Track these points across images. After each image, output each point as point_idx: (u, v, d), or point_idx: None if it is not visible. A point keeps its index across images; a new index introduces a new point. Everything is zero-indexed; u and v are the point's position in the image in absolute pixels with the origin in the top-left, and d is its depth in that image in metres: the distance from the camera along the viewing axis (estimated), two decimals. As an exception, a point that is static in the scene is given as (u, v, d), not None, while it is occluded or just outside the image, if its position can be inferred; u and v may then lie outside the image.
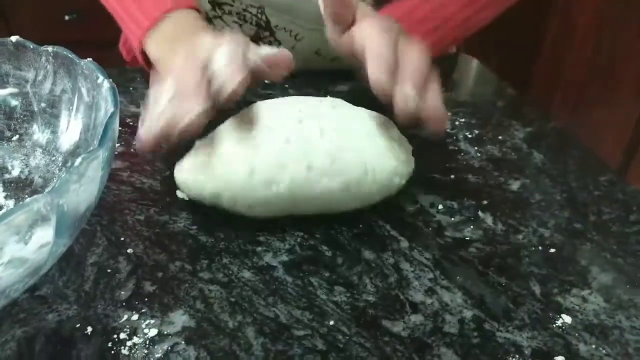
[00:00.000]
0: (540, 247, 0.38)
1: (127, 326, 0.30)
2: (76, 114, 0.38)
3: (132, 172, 0.43)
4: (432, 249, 0.37)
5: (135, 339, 0.29)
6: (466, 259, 0.36)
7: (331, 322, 0.31)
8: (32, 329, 0.30)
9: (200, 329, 0.30)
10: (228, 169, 0.35)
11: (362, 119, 0.38)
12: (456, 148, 0.49)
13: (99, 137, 0.29)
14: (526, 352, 0.30)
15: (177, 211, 0.39)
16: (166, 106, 0.36)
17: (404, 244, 0.37)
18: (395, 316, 0.32)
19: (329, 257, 0.36)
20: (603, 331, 0.32)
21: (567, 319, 0.32)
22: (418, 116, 0.38)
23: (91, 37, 1.28)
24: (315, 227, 0.38)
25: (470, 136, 0.51)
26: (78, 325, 0.30)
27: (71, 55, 0.37)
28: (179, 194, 0.39)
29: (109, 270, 0.34)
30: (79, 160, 0.26)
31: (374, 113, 0.40)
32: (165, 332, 0.30)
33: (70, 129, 0.38)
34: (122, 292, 0.32)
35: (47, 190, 0.25)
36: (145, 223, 0.38)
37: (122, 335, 0.29)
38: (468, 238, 0.38)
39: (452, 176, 0.45)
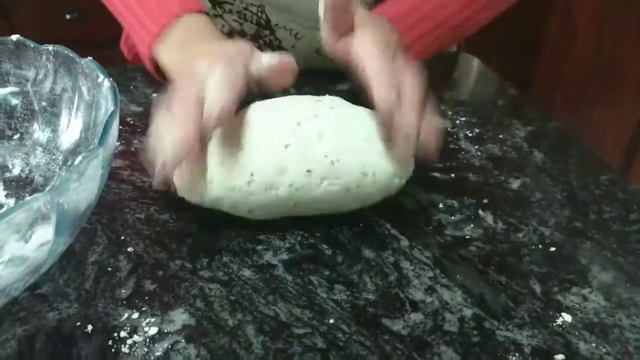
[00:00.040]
0: (540, 246, 0.38)
1: (128, 324, 0.30)
2: (76, 112, 0.38)
3: (132, 171, 0.43)
4: (432, 248, 0.37)
5: (136, 337, 0.29)
6: (466, 258, 0.36)
7: (331, 321, 0.31)
8: (33, 327, 0.30)
9: (200, 327, 0.30)
10: (227, 175, 0.35)
11: (362, 118, 0.38)
12: (457, 147, 0.49)
13: (99, 135, 0.29)
14: (526, 350, 0.30)
15: (178, 210, 0.39)
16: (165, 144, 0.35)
17: (404, 242, 0.37)
18: (395, 314, 0.32)
19: (329, 255, 0.36)
20: (603, 330, 0.32)
21: (567, 317, 0.32)
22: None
23: (92, 36, 1.28)
24: (315, 226, 0.38)
25: (470, 135, 0.51)
26: (78, 324, 0.30)
27: (71, 54, 0.37)
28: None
29: (109, 269, 0.34)
30: (79, 159, 0.26)
31: (373, 112, 0.40)
32: (166, 331, 0.30)
33: (70, 128, 0.38)
34: (123, 291, 0.32)
35: (47, 189, 0.25)
36: (146, 222, 0.38)
37: (123, 334, 0.30)
38: (468, 237, 0.38)
39: (453, 175, 0.45)
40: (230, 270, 0.34)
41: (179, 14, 0.43)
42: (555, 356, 0.30)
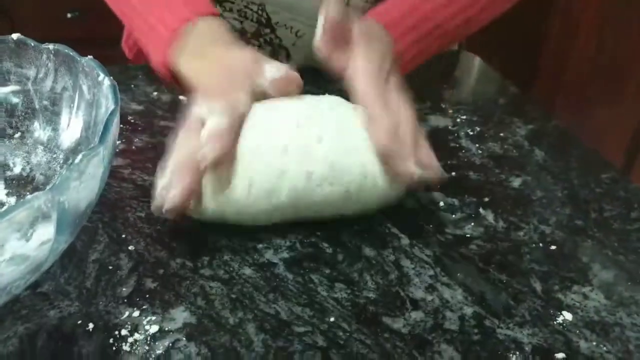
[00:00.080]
0: (541, 244, 0.38)
1: (129, 323, 0.30)
2: (77, 111, 0.38)
3: (133, 170, 0.43)
4: (432, 246, 0.37)
5: (137, 336, 0.29)
6: (467, 256, 0.36)
7: (332, 319, 0.31)
8: (34, 325, 0.30)
9: (201, 325, 0.30)
10: (227, 186, 0.35)
11: (362, 117, 0.38)
12: (457, 145, 0.49)
13: (100, 134, 0.29)
14: (527, 348, 0.30)
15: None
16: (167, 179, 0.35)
17: (405, 241, 0.37)
18: (395, 313, 0.32)
19: (330, 254, 0.36)
20: (604, 328, 0.32)
21: (567, 315, 0.32)
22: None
23: (93, 35, 1.28)
24: (316, 225, 0.38)
25: (471, 133, 0.51)
26: (79, 322, 0.30)
27: (72, 53, 0.37)
28: None
29: (110, 267, 0.34)
30: (79, 157, 0.26)
31: None
32: (166, 329, 0.30)
33: (71, 127, 0.38)
34: (124, 289, 0.32)
35: (48, 187, 0.25)
36: (147, 220, 0.38)
37: (124, 332, 0.30)
38: (469, 235, 0.38)
39: (453, 173, 0.45)
40: (231, 269, 0.34)
41: (191, 17, 0.43)
42: (556, 355, 0.30)
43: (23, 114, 0.40)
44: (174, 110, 0.51)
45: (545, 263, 0.36)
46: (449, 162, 0.47)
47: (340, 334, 0.30)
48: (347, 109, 0.38)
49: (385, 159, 0.36)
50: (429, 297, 0.33)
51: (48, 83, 0.39)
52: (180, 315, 0.31)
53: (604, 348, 0.31)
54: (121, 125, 0.48)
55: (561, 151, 0.50)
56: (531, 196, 0.43)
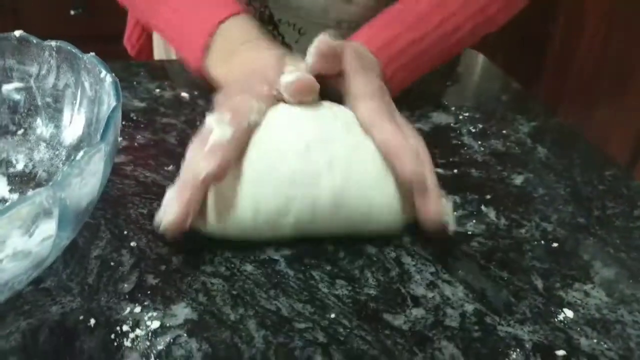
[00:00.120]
0: (542, 242, 0.38)
1: (130, 318, 0.30)
2: (79, 108, 0.38)
3: (135, 166, 0.43)
4: (433, 243, 0.37)
5: (138, 331, 0.30)
6: (468, 253, 0.36)
7: (332, 315, 0.31)
8: (37, 320, 0.30)
9: (202, 321, 0.31)
10: (233, 209, 0.34)
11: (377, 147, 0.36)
12: (459, 142, 0.49)
13: (102, 131, 0.29)
14: (527, 346, 0.30)
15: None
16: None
17: (406, 238, 0.37)
18: (396, 310, 0.32)
19: (331, 250, 0.36)
20: (605, 326, 0.32)
21: (568, 313, 0.32)
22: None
23: (97, 32, 1.28)
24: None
25: (474, 130, 0.51)
26: (81, 318, 0.30)
27: (74, 50, 0.37)
28: None
29: (112, 264, 0.34)
30: (80, 154, 0.26)
31: None
32: (168, 325, 0.30)
33: (73, 123, 0.38)
34: (125, 285, 0.32)
35: (49, 184, 0.25)
36: (149, 217, 0.38)
37: (125, 328, 0.30)
38: (470, 232, 0.38)
39: (455, 170, 0.45)
40: (232, 265, 0.34)
41: (221, 18, 0.44)
42: (556, 352, 0.30)
43: (26, 110, 0.40)
44: (176, 108, 0.52)
45: (547, 260, 0.36)
46: (450, 159, 0.47)
47: (341, 330, 0.31)
48: (361, 132, 0.37)
49: (415, 190, 0.35)
50: (430, 294, 0.33)
51: (50, 80, 0.39)
52: (182, 312, 0.31)
53: (605, 345, 0.31)
54: (123, 122, 0.48)
55: (564, 148, 0.50)
56: (533, 193, 0.43)
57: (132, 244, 0.35)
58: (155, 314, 0.31)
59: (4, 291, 0.28)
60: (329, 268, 0.35)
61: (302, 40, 0.60)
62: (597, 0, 1.33)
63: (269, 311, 0.31)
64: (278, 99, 0.38)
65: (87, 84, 0.37)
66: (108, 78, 0.34)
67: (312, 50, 0.39)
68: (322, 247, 0.36)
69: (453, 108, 0.55)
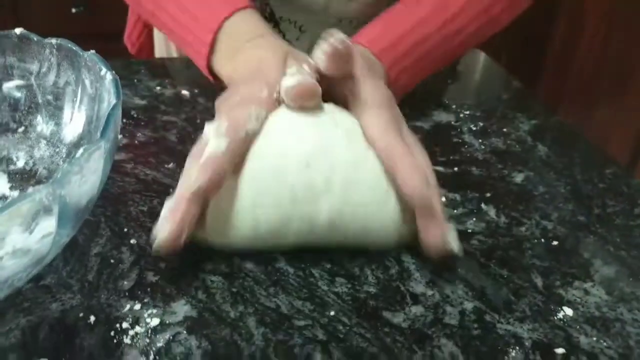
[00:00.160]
0: (543, 240, 0.38)
1: (130, 316, 0.30)
2: (80, 105, 0.38)
3: (136, 164, 0.43)
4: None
5: (138, 329, 0.30)
6: (468, 251, 0.36)
7: (332, 313, 0.31)
8: (36, 317, 0.30)
9: (201, 318, 0.31)
10: (233, 226, 0.34)
11: (377, 159, 0.35)
12: (460, 140, 0.49)
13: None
14: (526, 344, 0.30)
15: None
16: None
17: (406, 236, 0.37)
18: (396, 307, 0.32)
19: (331, 248, 0.36)
20: (604, 324, 0.32)
21: (568, 311, 0.32)
22: None
23: (98, 30, 1.29)
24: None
25: (474, 128, 0.51)
26: (81, 315, 0.30)
27: (74, 48, 0.37)
28: None
29: (112, 261, 0.34)
30: (80, 151, 0.26)
31: None
32: (167, 322, 0.30)
33: (74, 121, 0.38)
34: (125, 282, 0.32)
35: (49, 181, 0.25)
36: (149, 214, 0.38)
37: (125, 325, 0.30)
38: (470, 230, 0.38)
39: (456, 168, 0.45)
40: (232, 263, 0.34)
41: (226, 13, 0.43)
42: (556, 350, 0.30)
43: (26, 108, 0.40)
44: (177, 105, 0.52)
45: (547, 258, 0.36)
46: (451, 157, 0.47)
47: (340, 327, 0.31)
48: (364, 140, 0.36)
49: (421, 213, 0.33)
50: (430, 292, 0.33)
51: (51, 77, 0.39)
52: (181, 309, 0.31)
53: (604, 343, 0.31)
54: (124, 120, 0.48)
55: (564, 146, 0.50)
56: (533, 192, 0.43)
57: (132, 241, 0.35)
58: (155, 311, 0.31)
59: (4, 288, 0.28)
60: (328, 266, 0.35)
61: (302, 37, 0.60)
62: (597, 0, 1.33)
63: (268, 309, 0.31)
64: (279, 102, 0.37)
65: (87, 82, 0.37)
66: (108, 76, 0.34)
67: (326, 49, 0.36)
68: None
69: (454, 106, 0.55)
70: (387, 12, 0.48)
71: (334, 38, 0.36)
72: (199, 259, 0.35)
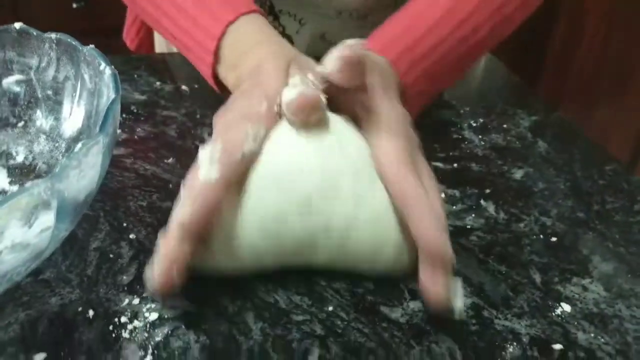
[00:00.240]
0: (541, 236, 0.38)
1: (128, 310, 0.30)
2: (79, 100, 0.38)
3: (135, 159, 0.43)
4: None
5: (136, 323, 0.30)
6: (467, 247, 0.36)
7: (330, 308, 0.31)
8: (36, 312, 0.30)
9: (200, 313, 0.31)
10: (236, 258, 0.32)
11: (383, 195, 0.32)
12: (460, 136, 0.49)
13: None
14: (524, 339, 0.30)
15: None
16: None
17: (405, 231, 0.37)
18: (394, 303, 0.32)
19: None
20: (602, 320, 0.32)
21: (566, 307, 0.32)
22: None
23: (99, 25, 1.29)
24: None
25: (474, 125, 0.51)
26: (80, 309, 0.30)
27: (74, 42, 0.37)
28: None
29: (111, 255, 0.34)
30: (79, 146, 0.26)
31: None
32: (166, 316, 0.30)
33: (73, 116, 0.38)
34: (124, 277, 0.33)
35: (48, 175, 0.25)
36: (148, 209, 0.38)
37: (123, 319, 0.30)
38: (469, 226, 0.38)
39: (455, 165, 0.45)
40: (231, 258, 0.34)
41: (230, 18, 0.40)
42: (553, 346, 0.30)
43: (26, 103, 0.40)
44: (177, 100, 0.52)
45: (546, 255, 0.36)
46: (451, 153, 0.47)
47: (339, 322, 0.31)
48: (372, 171, 0.33)
49: (427, 261, 0.31)
50: (428, 288, 0.33)
51: (50, 72, 0.39)
52: (180, 303, 0.31)
53: (602, 340, 0.31)
54: (124, 115, 0.48)
55: (564, 143, 0.49)
56: (533, 188, 0.43)
57: (131, 236, 0.36)
58: (153, 305, 0.31)
59: (3, 282, 0.28)
60: (327, 261, 0.35)
61: (302, 30, 0.60)
62: (597, 0, 1.33)
63: (267, 303, 0.32)
64: (280, 115, 0.34)
65: (86, 77, 0.37)
66: (107, 70, 0.34)
67: (339, 56, 0.33)
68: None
69: (454, 102, 0.55)
70: (399, 14, 0.46)
71: (348, 45, 0.33)
72: (197, 254, 0.35)
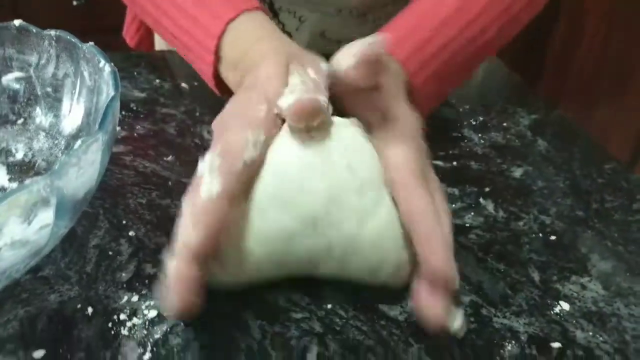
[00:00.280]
0: (540, 234, 0.38)
1: (128, 307, 0.30)
2: (78, 97, 0.38)
3: (135, 157, 0.43)
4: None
5: (135, 320, 0.30)
6: (466, 246, 0.37)
7: (329, 306, 0.32)
8: (35, 308, 0.30)
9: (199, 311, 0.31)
10: (242, 273, 0.31)
11: (388, 212, 0.31)
12: (459, 135, 0.49)
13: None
14: (522, 337, 0.30)
15: (179, 195, 0.39)
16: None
17: (404, 229, 0.37)
18: (392, 300, 0.32)
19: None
20: (601, 318, 0.32)
21: (565, 305, 0.32)
22: None
23: (99, 23, 1.29)
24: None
25: (474, 123, 0.51)
26: (79, 306, 0.30)
27: (73, 40, 0.37)
28: None
29: (110, 253, 0.34)
30: (78, 143, 0.26)
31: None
32: (165, 314, 0.30)
33: (72, 113, 0.38)
34: (123, 274, 0.33)
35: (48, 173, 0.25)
36: (147, 206, 0.38)
37: (123, 316, 0.30)
38: (468, 225, 0.38)
39: (455, 163, 0.45)
40: (230, 256, 0.34)
41: (231, 15, 0.39)
42: (552, 344, 0.30)
43: (25, 100, 0.40)
44: (176, 98, 0.52)
45: (544, 253, 0.36)
46: (450, 151, 0.47)
47: (337, 320, 0.31)
48: (376, 188, 0.32)
49: (434, 284, 0.30)
50: (427, 286, 0.33)
51: (50, 69, 0.39)
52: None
53: (600, 338, 0.31)
54: (123, 113, 0.48)
55: (564, 141, 0.49)
56: (532, 186, 0.43)
57: (131, 233, 0.36)
58: (152, 303, 0.31)
59: (2, 279, 0.28)
60: (326, 259, 0.35)
61: (302, 28, 0.60)
62: (597, 0, 1.33)
63: (265, 301, 0.32)
64: (281, 118, 0.32)
65: (86, 74, 0.37)
66: (107, 67, 0.34)
67: (356, 53, 0.31)
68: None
69: (453, 100, 0.55)
70: (405, 13, 0.44)
71: (369, 42, 0.31)
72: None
